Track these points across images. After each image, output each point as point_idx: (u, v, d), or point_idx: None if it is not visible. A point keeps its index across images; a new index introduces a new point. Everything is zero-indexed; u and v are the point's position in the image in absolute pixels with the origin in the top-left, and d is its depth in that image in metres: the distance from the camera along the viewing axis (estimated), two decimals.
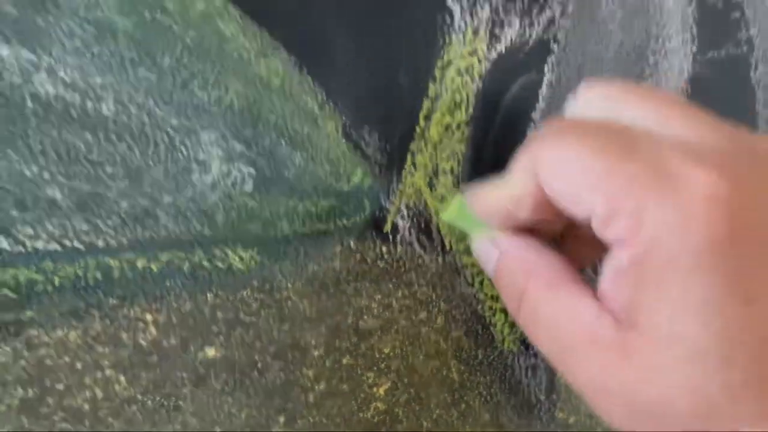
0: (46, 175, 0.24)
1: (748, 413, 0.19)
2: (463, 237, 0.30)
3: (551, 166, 0.21)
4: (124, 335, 0.26)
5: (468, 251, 0.31)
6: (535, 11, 0.29)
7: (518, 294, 0.23)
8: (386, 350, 0.30)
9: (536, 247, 0.24)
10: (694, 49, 0.34)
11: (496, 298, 0.32)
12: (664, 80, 0.33)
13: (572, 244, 0.25)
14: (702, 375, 0.19)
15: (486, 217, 0.25)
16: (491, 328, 0.32)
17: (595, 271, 0.22)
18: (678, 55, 0.34)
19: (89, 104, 0.24)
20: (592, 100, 0.23)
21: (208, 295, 0.27)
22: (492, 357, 0.32)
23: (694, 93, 0.35)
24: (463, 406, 0.32)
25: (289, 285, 0.28)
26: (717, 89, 0.36)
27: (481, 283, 0.31)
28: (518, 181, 0.23)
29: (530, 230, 0.24)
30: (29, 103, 0.23)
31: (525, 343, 0.33)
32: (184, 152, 0.25)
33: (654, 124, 0.21)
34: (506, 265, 0.24)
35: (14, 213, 0.23)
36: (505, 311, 0.32)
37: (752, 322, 0.18)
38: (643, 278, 0.19)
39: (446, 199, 0.30)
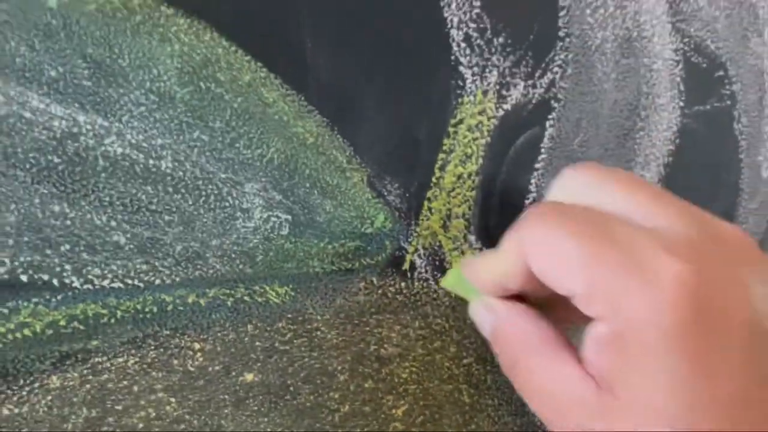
0: (113, 223, 0.27)
1: None
2: None
3: (536, 249, 0.23)
4: (175, 362, 0.29)
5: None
6: (537, 74, 0.33)
7: (512, 360, 0.26)
8: (404, 375, 0.33)
9: (527, 314, 0.26)
10: (682, 104, 0.38)
11: None
12: (655, 132, 0.37)
13: (558, 306, 0.26)
14: None
15: (480, 287, 0.27)
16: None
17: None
18: (667, 109, 0.37)
19: (151, 162, 0.27)
20: (575, 185, 0.25)
21: (248, 326, 0.30)
22: (500, 382, 0.36)
23: (682, 143, 0.38)
24: (474, 426, 0.35)
25: (319, 317, 0.31)
26: (704, 140, 0.39)
27: None
28: (508, 258, 0.25)
29: (520, 296, 0.27)
30: (101, 162, 0.27)
31: None
32: (231, 202, 0.29)
33: (630, 212, 0.23)
34: (500, 332, 0.26)
35: (85, 256, 0.27)
36: None
37: (715, 393, 0.20)
38: (621, 352, 0.21)
39: (459, 239, 0.33)
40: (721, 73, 0.39)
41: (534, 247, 0.23)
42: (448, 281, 0.30)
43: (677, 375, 0.20)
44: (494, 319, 0.27)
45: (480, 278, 0.27)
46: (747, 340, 0.21)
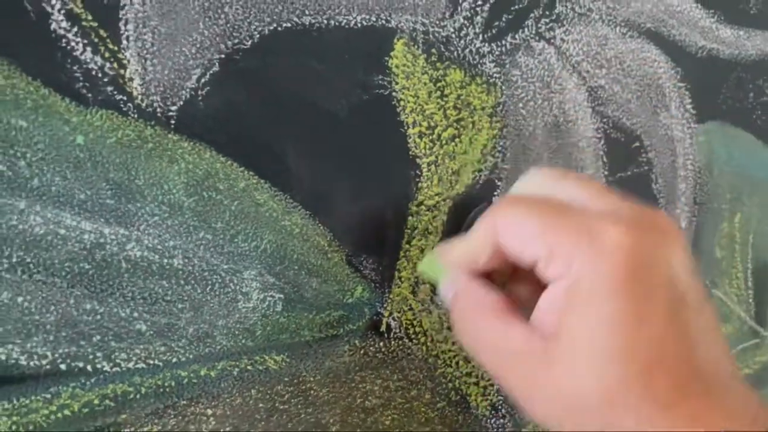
0: (135, 314, 0.32)
1: (636, 398, 0.24)
2: (442, 329, 0.40)
3: (508, 227, 0.27)
4: (192, 427, 0.34)
5: (446, 340, 0.40)
6: (482, 160, 0.39)
7: (465, 322, 0.29)
8: (387, 422, 0.39)
9: (484, 285, 0.29)
10: (606, 172, 0.44)
11: (469, 374, 0.41)
12: None
13: (516, 287, 0.30)
14: (606, 372, 0.24)
15: (451, 265, 0.31)
16: (467, 398, 0.41)
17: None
18: (594, 178, 0.44)
19: (165, 261, 0.33)
20: (538, 180, 0.29)
21: (252, 391, 0.35)
22: (470, 420, 0.41)
23: None
24: None
25: (311, 378, 0.37)
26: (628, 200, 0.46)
27: (457, 364, 0.40)
28: (480, 236, 0.29)
29: (484, 276, 0.30)
30: (123, 265, 0.32)
31: (495, 408, 0.42)
32: (232, 287, 0.34)
33: (581, 200, 0.27)
34: (460, 300, 0.30)
35: (113, 344, 0.32)
36: (477, 383, 0.41)
37: (642, 335, 0.24)
38: (570, 303, 0.25)
39: (426, 301, 0.39)
40: (637, 144, 0.46)
41: (505, 223, 0.28)
42: (423, 265, 0.33)
43: (614, 317, 0.24)
44: (456, 289, 0.30)
45: (452, 256, 0.31)
46: (668, 296, 0.25)
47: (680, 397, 0.24)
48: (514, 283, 0.31)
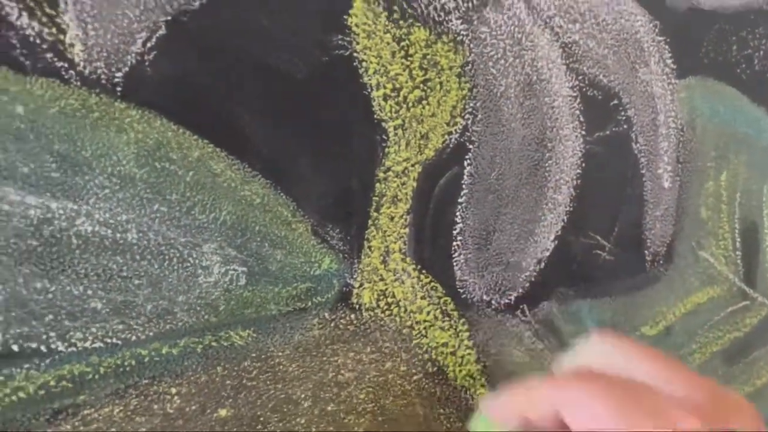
0: (89, 292, 0.31)
1: None
2: (415, 299, 0.38)
3: (576, 407, 0.27)
4: (155, 406, 0.33)
5: (420, 310, 0.39)
6: (451, 122, 0.38)
7: None
8: (362, 396, 0.38)
9: None
10: (583, 132, 0.43)
11: (445, 345, 0.40)
12: (562, 160, 0.42)
13: None
14: None
15: (509, 422, 0.30)
16: (444, 369, 0.40)
17: None
18: (570, 138, 0.42)
19: (118, 235, 0.31)
20: (602, 351, 0.29)
21: (218, 368, 0.34)
22: (448, 392, 0.40)
23: (588, 166, 0.43)
24: None
25: (280, 353, 0.35)
26: (607, 161, 0.44)
27: (433, 334, 0.39)
28: (541, 405, 0.29)
29: None
30: (74, 240, 0.31)
31: (472, 378, 0.40)
32: (192, 261, 0.33)
33: (655, 380, 0.28)
34: None
35: (67, 323, 0.31)
36: (454, 353, 0.40)
37: None
38: None
39: (398, 271, 0.38)
40: (616, 101, 0.44)
41: (572, 403, 0.28)
42: (474, 424, 0.33)
43: None
44: None
45: (510, 415, 0.31)
46: None
47: None
48: None
